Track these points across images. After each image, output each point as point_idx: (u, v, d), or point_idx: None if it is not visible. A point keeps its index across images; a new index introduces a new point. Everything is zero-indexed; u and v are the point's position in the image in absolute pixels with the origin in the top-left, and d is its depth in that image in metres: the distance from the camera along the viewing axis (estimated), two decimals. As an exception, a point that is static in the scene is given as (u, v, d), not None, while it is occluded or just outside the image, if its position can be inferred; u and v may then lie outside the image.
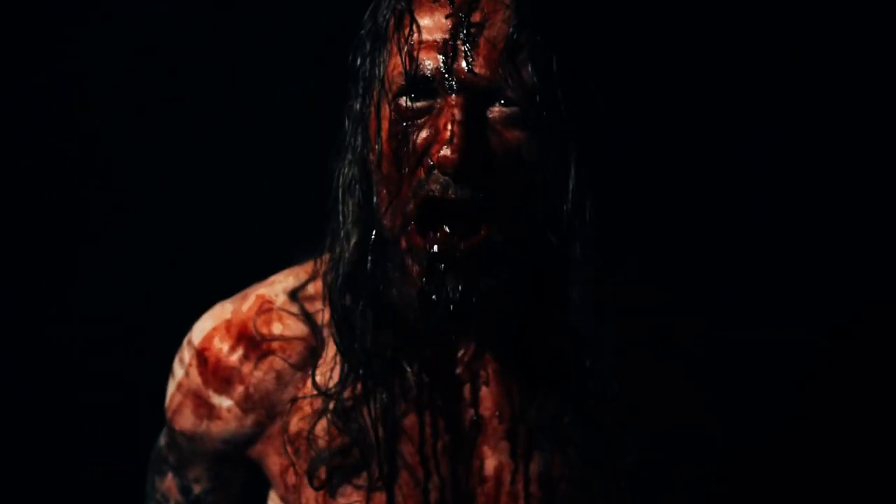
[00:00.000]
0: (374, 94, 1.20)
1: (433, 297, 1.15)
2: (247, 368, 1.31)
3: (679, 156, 1.79)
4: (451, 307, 1.15)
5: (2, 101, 1.87)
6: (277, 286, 1.33)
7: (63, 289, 1.92)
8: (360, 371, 1.24)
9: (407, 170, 1.16)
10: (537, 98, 1.14)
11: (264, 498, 1.39)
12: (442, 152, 1.13)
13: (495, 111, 1.15)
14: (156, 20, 1.85)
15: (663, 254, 1.59)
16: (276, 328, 1.31)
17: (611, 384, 1.22)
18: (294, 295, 1.32)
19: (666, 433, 1.31)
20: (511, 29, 1.14)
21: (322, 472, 1.27)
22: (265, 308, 1.31)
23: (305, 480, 1.28)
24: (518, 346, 1.26)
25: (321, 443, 1.27)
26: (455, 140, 1.12)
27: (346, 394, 1.25)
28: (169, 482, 1.40)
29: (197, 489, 1.38)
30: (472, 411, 1.27)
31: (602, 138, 1.20)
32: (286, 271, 1.35)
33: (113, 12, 1.86)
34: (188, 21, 1.85)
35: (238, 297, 1.35)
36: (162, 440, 1.41)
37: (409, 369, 1.25)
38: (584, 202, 1.17)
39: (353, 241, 1.22)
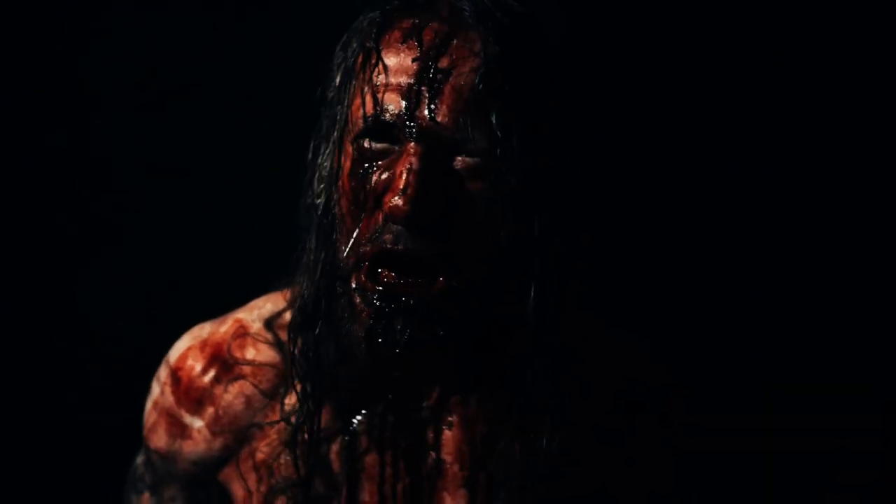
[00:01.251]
0: (338, 130, 1.18)
1: (379, 339, 1.13)
2: (218, 390, 1.30)
3: (647, 204, 1.79)
4: (398, 350, 1.12)
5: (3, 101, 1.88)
6: (255, 312, 1.33)
7: (66, 299, 1.93)
8: (320, 406, 1.23)
9: (365, 211, 1.15)
10: (499, 151, 1.11)
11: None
12: (394, 201, 1.10)
13: (457, 161, 1.13)
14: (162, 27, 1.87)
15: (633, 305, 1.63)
16: (250, 353, 1.30)
17: (570, 440, 1.20)
18: (270, 322, 1.31)
19: (631, 492, 1.29)
20: (478, 78, 1.11)
21: (281, 503, 1.26)
22: (241, 332, 1.31)
23: None
24: (483, 393, 1.24)
25: (284, 472, 1.26)
26: (409, 190, 1.10)
27: (307, 428, 1.24)
28: (146, 501, 1.39)
29: None
30: (433, 455, 1.25)
31: (567, 191, 1.18)
32: (266, 296, 1.34)
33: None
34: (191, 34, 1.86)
35: (218, 319, 1.34)
36: (139, 459, 1.40)
37: (374, 409, 1.24)
38: (546, 253, 1.15)
39: (314, 275, 1.21)
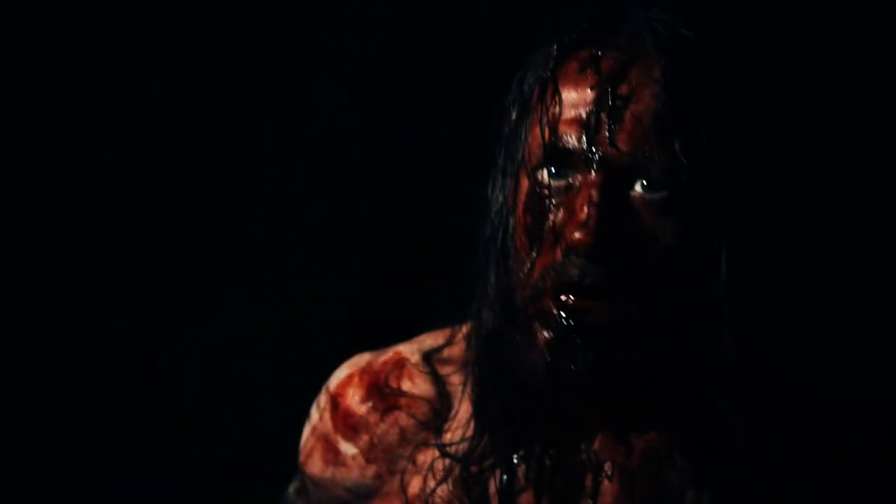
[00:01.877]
0: (516, 163, 1.17)
1: (560, 367, 1.11)
2: (373, 419, 1.30)
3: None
4: (579, 378, 1.11)
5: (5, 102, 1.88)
6: (415, 345, 1.32)
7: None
8: (493, 441, 1.21)
9: (542, 243, 1.13)
10: (684, 180, 1.09)
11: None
12: (576, 234, 1.08)
13: (637, 192, 1.11)
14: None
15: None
16: (406, 385, 1.29)
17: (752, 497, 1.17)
18: (429, 356, 1.31)
19: None
20: (659, 104, 1.10)
21: None
22: (399, 363, 1.31)
23: None
24: (649, 443, 1.20)
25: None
26: (591, 223, 1.08)
27: (473, 462, 1.23)
28: None
29: None
30: (590, 503, 1.21)
31: (756, 225, 1.16)
32: (428, 333, 1.34)
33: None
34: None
35: (380, 351, 1.34)
36: (291, 487, 1.41)
37: (534, 447, 1.21)
38: (734, 292, 1.12)
39: (493, 306, 1.19)
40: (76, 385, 1.93)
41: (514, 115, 1.19)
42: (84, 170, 1.92)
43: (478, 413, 1.22)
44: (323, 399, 1.34)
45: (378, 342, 1.37)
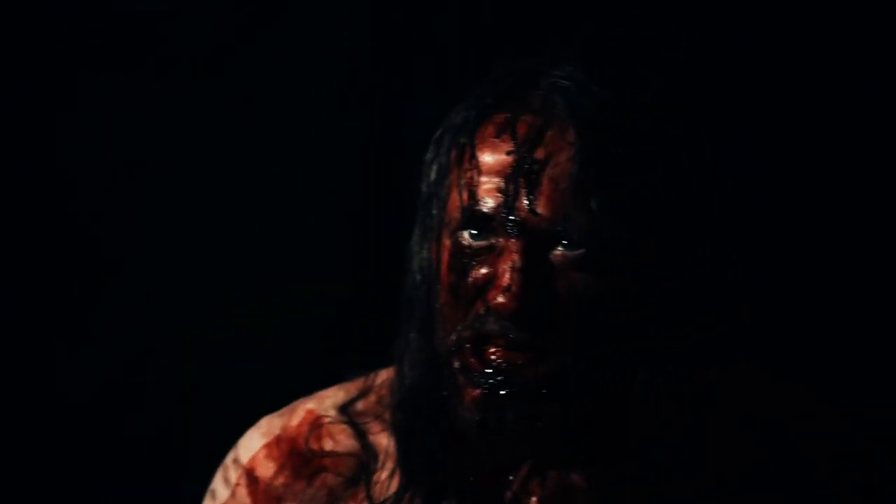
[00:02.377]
0: (437, 222, 1.18)
1: (489, 423, 1.12)
2: (299, 486, 1.27)
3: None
4: (509, 433, 1.12)
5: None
6: (327, 401, 1.30)
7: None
8: (420, 491, 1.21)
9: (464, 304, 1.14)
10: (602, 240, 1.11)
11: None
12: (499, 299, 1.09)
13: (558, 253, 1.11)
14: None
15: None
16: (328, 444, 1.27)
17: None
18: (344, 409, 1.29)
19: None
20: (575, 167, 1.11)
21: None
22: (316, 423, 1.28)
23: None
24: (592, 483, 1.20)
25: None
26: (513, 288, 1.08)
27: None
28: None
29: None
30: None
31: (673, 276, 1.16)
32: (334, 387, 1.32)
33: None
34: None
35: (285, 411, 1.32)
36: None
37: (465, 495, 1.21)
38: (656, 338, 1.14)
39: (416, 361, 1.20)
40: (72, 388, 1.93)
41: (433, 176, 1.19)
42: (81, 171, 1.92)
43: (403, 465, 1.21)
44: (233, 474, 1.30)
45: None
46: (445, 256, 1.15)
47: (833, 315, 1.77)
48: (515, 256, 1.10)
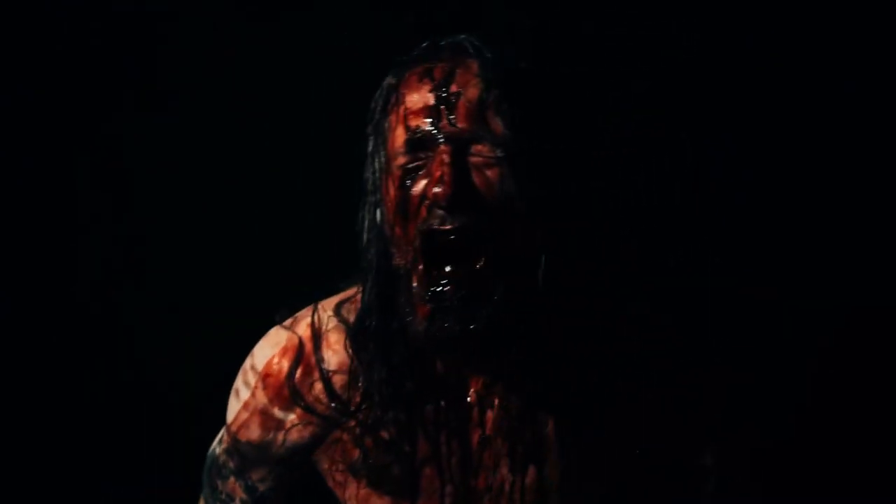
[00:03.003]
0: (381, 157, 1.47)
1: (438, 330, 1.40)
2: (304, 388, 1.54)
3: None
4: (456, 336, 1.39)
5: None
6: (325, 312, 1.56)
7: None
8: (389, 396, 1.49)
9: (411, 215, 1.42)
10: (505, 141, 1.42)
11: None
12: (436, 189, 1.40)
13: (476, 155, 1.42)
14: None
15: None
16: (327, 354, 1.54)
17: (596, 404, 1.48)
18: (338, 310, 1.56)
19: (653, 450, 1.53)
20: (481, 91, 1.43)
21: (361, 475, 1.52)
22: (317, 335, 1.55)
23: (348, 477, 1.53)
24: (516, 377, 1.49)
25: (364, 454, 1.51)
26: (446, 178, 1.40)
27: (378, 415, 1.49)
28: (232, 484, 1.61)
29: (262, 487, 1.60)
30: (479, 431, 1.50)
31: (563, 164, 1.45)
32: (330, 299, 1.58)
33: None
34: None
35: (291, 322, 1.58)
36: (218, 449, 1.62)
37: (429, 397, 1.50)
38: (558, 223, 1.44)
39: (375, 281, 1.48)
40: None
41: (375, 124, 1.49)
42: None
43: (366, 379, 1.50)
44: (251, 378, 1.58)
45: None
46: (392, 182, 1.45)
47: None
48: (445, 156, 1.42)
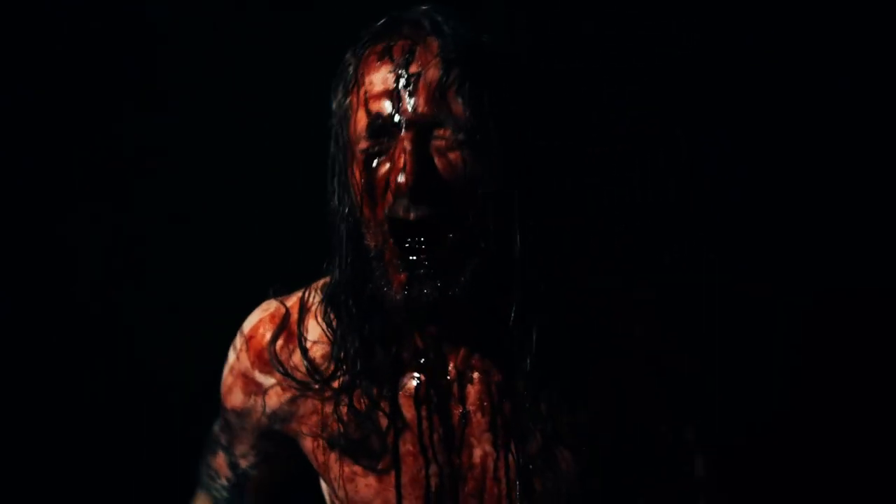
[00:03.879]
0: (344, 141, 1.47)
1: (416, 297, 1.40)
2: (284, 355, 1.56)
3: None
4: (433, 304, 1.40)
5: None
6: (314, 291, 1.58)
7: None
8: (359, 369, 1.50)
9: (377, 198, 1.43)
10: (467, 123, 1.40)
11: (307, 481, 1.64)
12: (399, 179, 1.39)
13: (438, 139, 1.41)
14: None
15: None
16: (311, 325, 1.56)
17: (576, 379, 1.48)
18: (325, 290, 1.56)
19: (632, 424, 1.53)
20: (441, 72, 1.41)
21: (341, 450, 1.53)
22: (305, 307, 1.57)
23: (331, 456, 1.54)
24: (495, 351, 1.50)
25: (338, 428, 1.52)
26: (407, 167, 1.39)
27: (352, 386, 1.51)
28: (220, 460, 1.65)
29: (244, 464, 1.63)
30: (460, 408, 1.51)
31: (524, 146, 1.45)
32: (322, 280, 1.58)
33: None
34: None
35: (284, 297, 1.61)
36: (216, 426, 1.66)
37: (408, 371, 1.51)
38: (524, 206, 1.43)
39: (346, 260, 1.48)
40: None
41: (337, 106, 1.48)
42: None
43: (340, 346, 1.51)
44: (238, 341, 1.61)
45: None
46: (357, 166, 1.45)
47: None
48: (406, 143, 1.40)
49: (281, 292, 1.60)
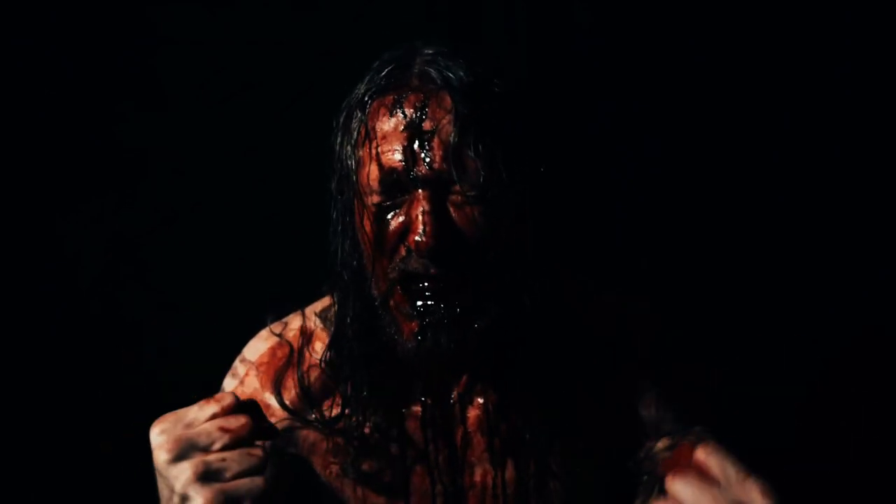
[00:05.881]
0: (353, 192, 1.45)
1: (431, 347, 1.41)
2: (291, 382, 1.56)
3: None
4: (448, 352, 1.41)
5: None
6: (313, 317, 1.59)
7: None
8: (367, 407, 1.51)
9: (387, 252, 1.42)
10: (482, 180, 1.39)
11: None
12: (417, 239, 1.39)
13: (454, 195, 1.41)
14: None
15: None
16: (317, 346, 1.57)
17: (565, 402, 1.50)
18: (323, 315, 1.58)
19: (624, 447, 1.55)
20: (456, 128, 1.39)
21: (353, 476, 1.53)
22: (307, 333, 1.58)
23: (343, 481, 1.54)
24: (495, 377, 1.52)
25: (355, 457, 1.53)
26: (427, 228, 1.39)
27: (361, 421, 1.52)
28: None
29: None
30: (462, 429, 1.54)
31: (540, 198, 1.45)
32: (311, 306, 1.60)
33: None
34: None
35: (279, 324, 1.61)
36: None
37: (415, 400, 1.53)
38: (538, 252, 1.44)
39: (354, 309, 1.48)
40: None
41: (342, 154, 1.47)
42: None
43: (346, 388, 1.51)
44: (241, 369, 1.60)
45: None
46: (367, 217, 1.43)
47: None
48: (424, 203, 1.39)
49: (275, 320, 1.61)
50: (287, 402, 1.54)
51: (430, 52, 1.44)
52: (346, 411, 1.51)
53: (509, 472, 1.52)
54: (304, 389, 1.54)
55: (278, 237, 2.00)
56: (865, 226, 2.03)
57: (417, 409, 1.53)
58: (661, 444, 1.54)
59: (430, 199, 1.39)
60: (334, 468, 1.54)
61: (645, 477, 1.53)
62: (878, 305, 2.03)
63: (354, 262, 1.48)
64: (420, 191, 1.40)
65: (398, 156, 1.40)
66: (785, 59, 1.99)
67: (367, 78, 1.46)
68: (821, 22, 1.97)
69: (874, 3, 1.99)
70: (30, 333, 2.07)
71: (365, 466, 1.52)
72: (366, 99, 1.45)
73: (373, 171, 1.42)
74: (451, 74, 1.41)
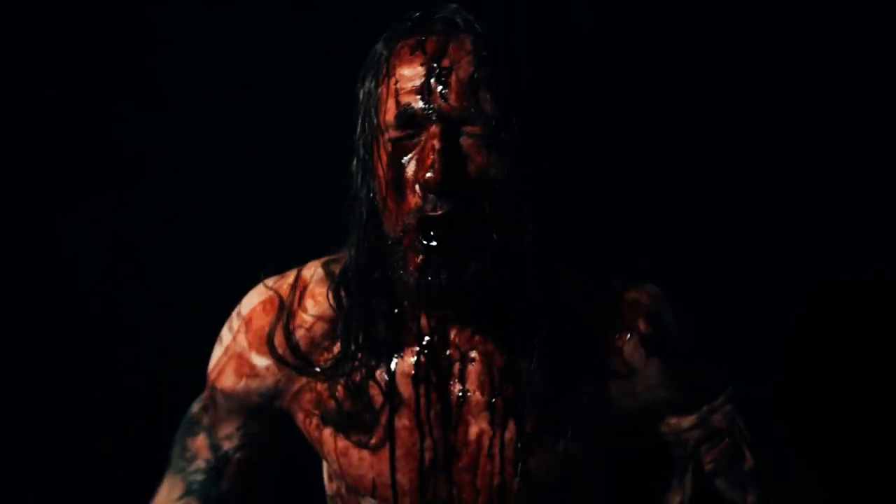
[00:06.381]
0: (372, 131, 1.49)
1: (431, 280, 1.43)
2: (282, 336, 1.57)
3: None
4: (446, 289, 1.42)
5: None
6: (313, 269, 1.60)
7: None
8: (364, 352, 1.52)
9: (404, 191, 1.44)
10: (494, 121, 1.43)
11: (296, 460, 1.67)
12: (427, 175, 1.42)
13: (466, 137, 1.43)
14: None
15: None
16: (309, 304, 1.58)
17: (564, 365, 1.51)
18: (326, 266, 1.60)
19: (625, 405, 1.56)
20: (472, 69, 1.43)
21: (334, 425, 1.54)
22: (302, 286, 1.59)
23: (324, 431, 1.56)
24: (498, 333, 1.53)
25: (334, 404, 1.54)
26: (436, 165, 1.41)
27: (357, 370, 1.53)
28: (200, 442, 1.63)
29: (226, 446, 1.62)
30: (459, 386, 1.53)
31: (549, 149, 1.49)
32: (319, 260, 1.61)
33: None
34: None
35: (279, 277, 1.62)
36: (196, 406, 1.65)
37: (410, 350, 1.53)
38: (539, 205, 1.47)
39: (364, 246, 1.51)
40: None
41: (365, 94, 1.50)
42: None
43: (347, 333, 1.54)
44: (235, 323, 1.61)
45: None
46: (384, 156, 1.47)
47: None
48: (436, 141, 1.43)
49: (271, 273, 1.61)
50: (274, 358, 1.56)
51: (455, 5, 1.50)
52: (339, 354, 1.53)
53: (508, 434, 1.52)
54: (292, 347, 1.56)
55: (278, 237, 1.99)
56: (865, 226, 2.03)
57: (412, 360, 1.53)
58: (685, 423, 1.56)
59: (442, 137, 1.43)
60: (314, 420, 1.56)
61: (677, 455, 1.56)
62: (878, 306, 2.02)
63: (372, 197, 1.51)
64: (433, 127, 1.43)
65: (415, 91, 1.44)
66: (785, 59, 1.99)
67: (393, 26, 1.52)
68: (821, 22, 1.96)
69: (874, 3, 1.99)
70: (30, 333, 2.06)
71: (347, 413, 1.53)
72: (390, 41, 1.50)
73: (390, 107, 1.46)
74: (474, 22, 1.48)
